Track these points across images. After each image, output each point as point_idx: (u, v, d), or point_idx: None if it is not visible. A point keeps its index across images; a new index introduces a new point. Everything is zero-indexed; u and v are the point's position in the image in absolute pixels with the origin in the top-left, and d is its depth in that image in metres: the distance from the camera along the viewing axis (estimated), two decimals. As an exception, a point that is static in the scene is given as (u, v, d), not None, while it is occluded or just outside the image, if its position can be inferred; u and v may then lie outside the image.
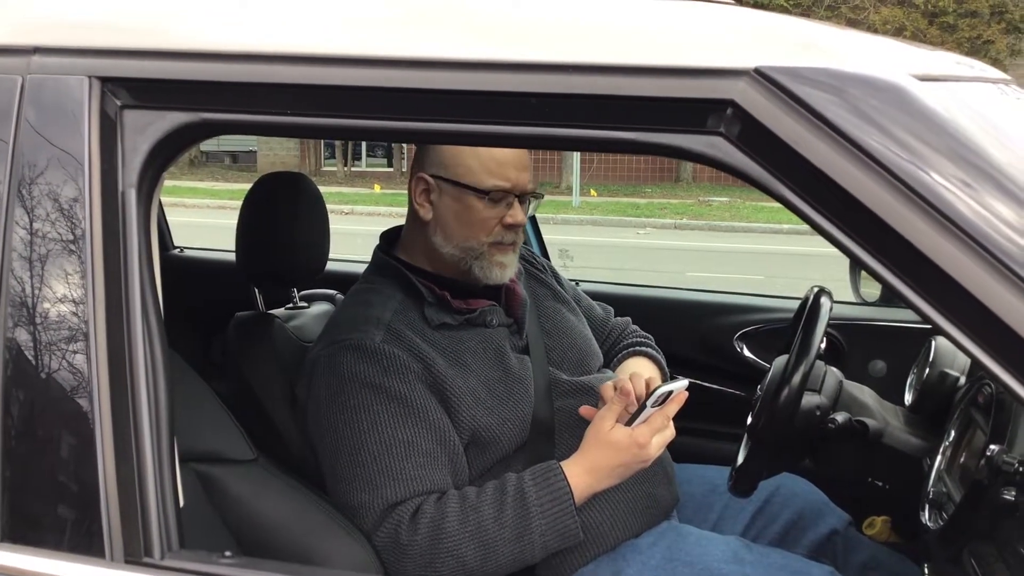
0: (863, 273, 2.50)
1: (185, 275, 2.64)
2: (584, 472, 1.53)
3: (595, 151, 1.04)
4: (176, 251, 2.92)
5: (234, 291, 2.12)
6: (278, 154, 20.45)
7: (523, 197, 1.69)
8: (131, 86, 1.05)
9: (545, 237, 2.72)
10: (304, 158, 20.41)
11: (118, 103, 1.05)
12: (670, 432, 1.57)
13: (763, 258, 10.54)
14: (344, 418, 1.54)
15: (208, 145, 23.03)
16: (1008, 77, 1.22)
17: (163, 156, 1.05)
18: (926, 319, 0.87)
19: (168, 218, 2.93)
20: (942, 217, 0.85)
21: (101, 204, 1.03)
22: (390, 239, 1.82)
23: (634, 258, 10.02)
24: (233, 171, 21.22)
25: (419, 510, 1.48)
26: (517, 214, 1.68)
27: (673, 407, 1.55)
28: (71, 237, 1.04)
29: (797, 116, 0.89)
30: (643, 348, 1.99)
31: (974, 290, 0.83)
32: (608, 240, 11.81)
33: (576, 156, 15.94)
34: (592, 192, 16.69)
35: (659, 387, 1.53)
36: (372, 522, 1.48)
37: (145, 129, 1.04)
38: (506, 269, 1.70)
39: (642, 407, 1.53)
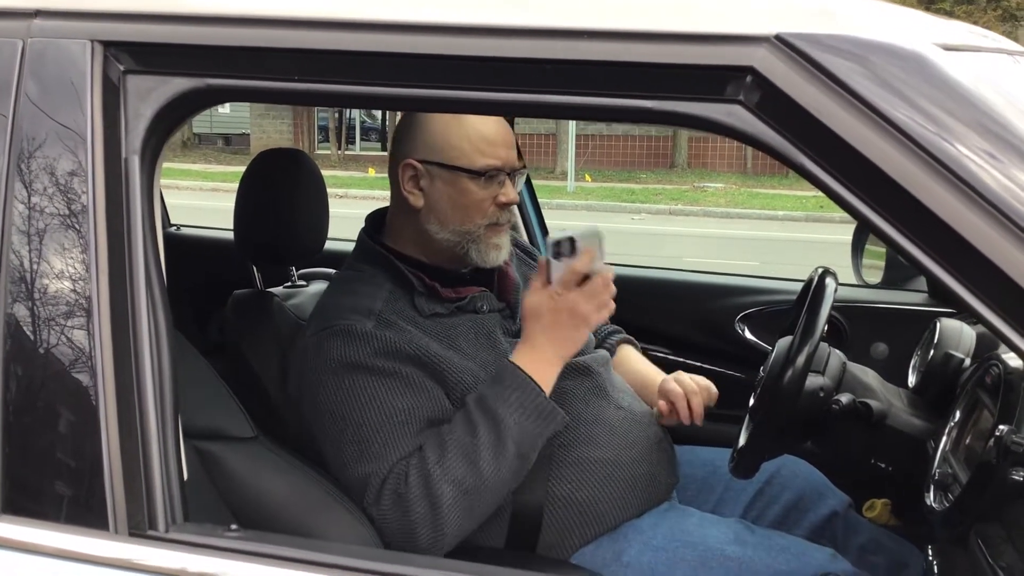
0: (865, 256, 2.49)
1: (182, 253, 2.61)
2: (527, 351, 1.53)
3: (610, 120, 1.02)
4: (173, 228, 2.90)
5: (232, 269, 2.10)
6: (271, 136, 20.36)
7: (512, 174, 1.68)
8: (134, 50, 1.04)
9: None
10: (297, 140, 20.32)
11: (121, 68, 1.03)
12: (599, 290, 1.53)
13: (758, 244, 10.55)
14: (340, 398, 1.52)
15: (201, 127, 22.95)
16: (1025, 49, 1.20)
17: (167, 123, 1.04)
18: (946, 290, 0.86)
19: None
20: (966, 187, 0.83)
21: (104, 171, 1.01)
22: (376, 223, 1.78)
23: (629, 243, 9.99)
24: (226, 153, 21.14)
25: (408, 467, 1.47)
26: (510, 192, 1.66)
27: (585, 259, 1.52)
28: (73, 205, 1.02)
29: (819, 84, 0.87)
30: (626, 336, 2.01)
31: (999, 261, 0.82)
32: (603, 225, 11.71)
33: (571, 141, 15.92)
34: (587, 177, 16.67)
35: (552, 236, 1.50)
36: (374, 493, 1.47)
37: (149, 95, 1.03)
38: (501, 251, 1.69)
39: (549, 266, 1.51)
